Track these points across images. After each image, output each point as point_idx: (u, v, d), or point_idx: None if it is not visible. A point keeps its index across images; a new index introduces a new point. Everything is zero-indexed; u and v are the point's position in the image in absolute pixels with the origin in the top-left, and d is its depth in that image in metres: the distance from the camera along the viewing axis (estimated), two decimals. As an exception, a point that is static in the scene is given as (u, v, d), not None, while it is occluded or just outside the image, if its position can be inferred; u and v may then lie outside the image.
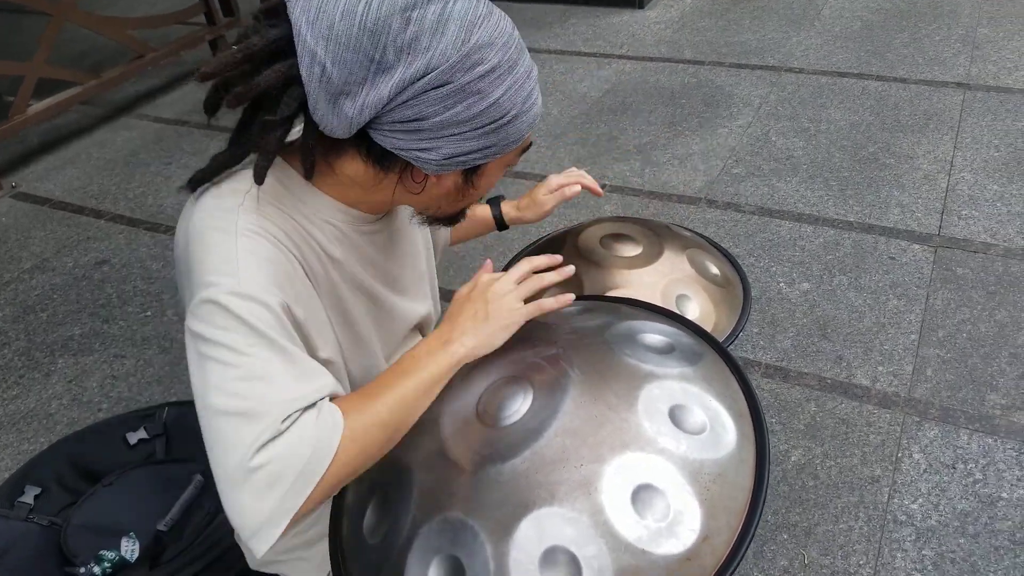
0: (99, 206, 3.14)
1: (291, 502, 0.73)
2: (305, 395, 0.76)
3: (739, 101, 3.39)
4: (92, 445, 1.47)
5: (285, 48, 0.77)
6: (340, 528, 0.96)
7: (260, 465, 0.71)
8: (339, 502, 0.99)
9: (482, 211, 1.40)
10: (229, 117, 0.85)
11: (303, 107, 0.79)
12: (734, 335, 1.33)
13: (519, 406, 0.89)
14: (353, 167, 0.86)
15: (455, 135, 0.79)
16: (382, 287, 1.02)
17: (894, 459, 1.75)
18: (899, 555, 1.56)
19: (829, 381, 1.97)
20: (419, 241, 1.11)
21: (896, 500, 1.66)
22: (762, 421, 0.91)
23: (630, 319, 1.05)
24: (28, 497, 1.37)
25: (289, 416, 0.74)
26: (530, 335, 1.02)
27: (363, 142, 0.82)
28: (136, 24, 3.84)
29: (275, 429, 0.72)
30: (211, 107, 0.81)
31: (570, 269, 1.01)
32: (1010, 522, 1.60)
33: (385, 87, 0.75)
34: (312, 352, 0.88)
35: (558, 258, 1.01)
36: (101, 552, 1.25)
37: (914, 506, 1.65)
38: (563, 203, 1.39)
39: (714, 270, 1.44)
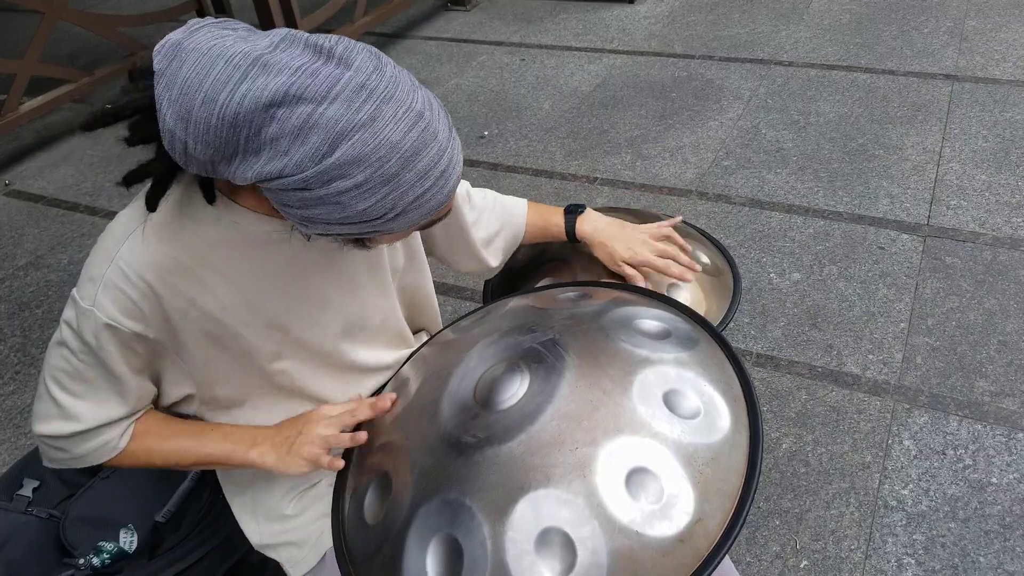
0: (93, 203, 3.13)
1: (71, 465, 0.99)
2: (104, 415, 0.94)
3: (729, 94, 3.41)
4: None
5: (151, 110, 0.76)
6: (341, 510, 0.98)
7: (45, 442, 0.96)
8: (340, 485, 1.00)
9: (556, 218, 1.29)
10: None
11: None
12: (725, 323, 1.35)
13: (516, 390, 0.91)
14: (252, 200, 0.88)
15: (324, 223, 0.77)
16: (310, 290, 0.98)
17: (884, 446, 1.77)
18: (890, 540, 1.58)
19: (819, 369, 1.99)
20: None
21: (887, 486, 1.68)
22: (756, 406, 0.92)
23: (626, 305, 1.07)
24: (27, 490, 1.37)
25: (84, 432, 0.94)
26: (527, 321, 1.03)
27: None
28: (128, 22, 3.83)
29: (70, 431, 0.93)
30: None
31: (362, 436, 0.99)
32: (999, 506, 1.62)
33: (251, 168, 0.73)
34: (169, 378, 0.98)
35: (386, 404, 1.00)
36: (100, 543, 1.26)
37: (904, 492, 1.67)
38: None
39: (704, 259, 1.45)
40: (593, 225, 1.27)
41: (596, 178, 2.91)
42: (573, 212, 1.28)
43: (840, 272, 2.32)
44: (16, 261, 2.80)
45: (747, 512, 0.82)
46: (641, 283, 1.23)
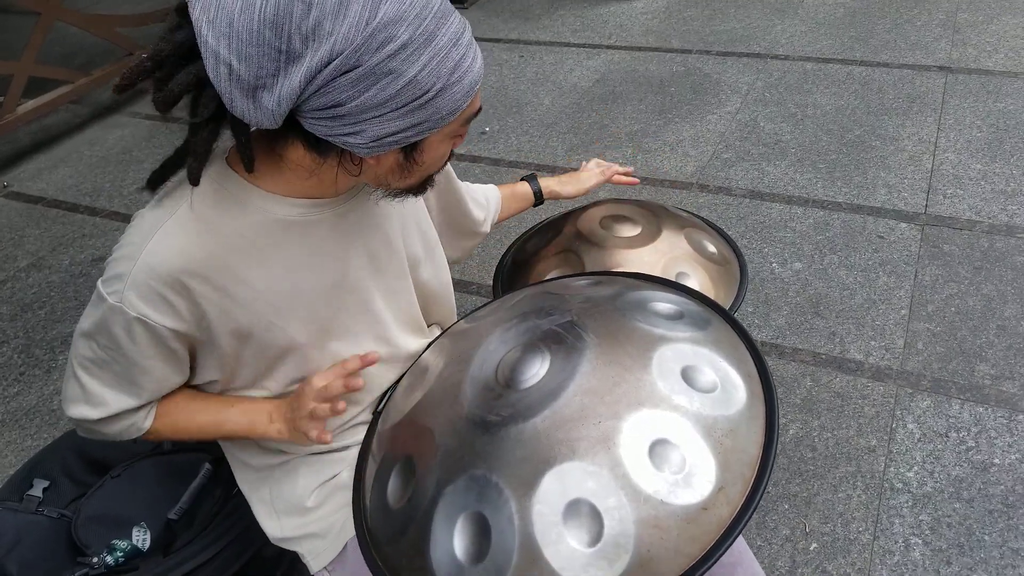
0: (94, 204, 3.13)
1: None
2: (128, 403, 0.97)
3: (727, 88, 3.44)
4: None
5: (192, 50, 0.76)
6: (362, 496, 0.99)
7: (74, 423, 1.00)
8: (361, 470, 1.02)
9: (522, 187, 1.52)
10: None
11: (222, 106, 0.78)
12: (733, 309, 1.37)
13: (537, 370, 0.93)
14: (297, 153, 0.86)
15: (376, 117, 0.77)
16: (339, 273, 0.99)
17: (889, 430, 1.80)
18: (897, 521, 1.61)
19: (823, 356, 2.02)
20: (394, 216, 1.07)
21: (892, 469, 1.71)
22: (770, 380, 0.94)
23: (639, 289, 1.09)
24: (37, 490, 1.36)
25: (110, 417, 0.97)
26: (544, 306, 1.05)
27: (298, 129, 0.81)
28: (125, 22, 3.83)
29: (96, 416, 0.97)
30: (165, 112, 0.81)
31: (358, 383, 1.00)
32: (1003, 486, 1.65)
33: (296, 77, 0.73)
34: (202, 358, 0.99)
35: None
36: (113, 542, 1.25)
37: (910, 474, 1.70)
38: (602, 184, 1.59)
39: (711, 248, 1.48)
40: (547, 183, 1.54)
41: (597, 172, 2.93)
42: (530, 179, 1.53)
43: (841, 261, 2.34)
44: (17, 263, 2.81)
45: (767, 480, 0.84)
46: (616, 169, 1.65)
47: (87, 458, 1.43)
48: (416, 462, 0.93)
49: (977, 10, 3.88)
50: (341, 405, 0.96)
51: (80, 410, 0.97)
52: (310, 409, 0.95)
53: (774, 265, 2.36)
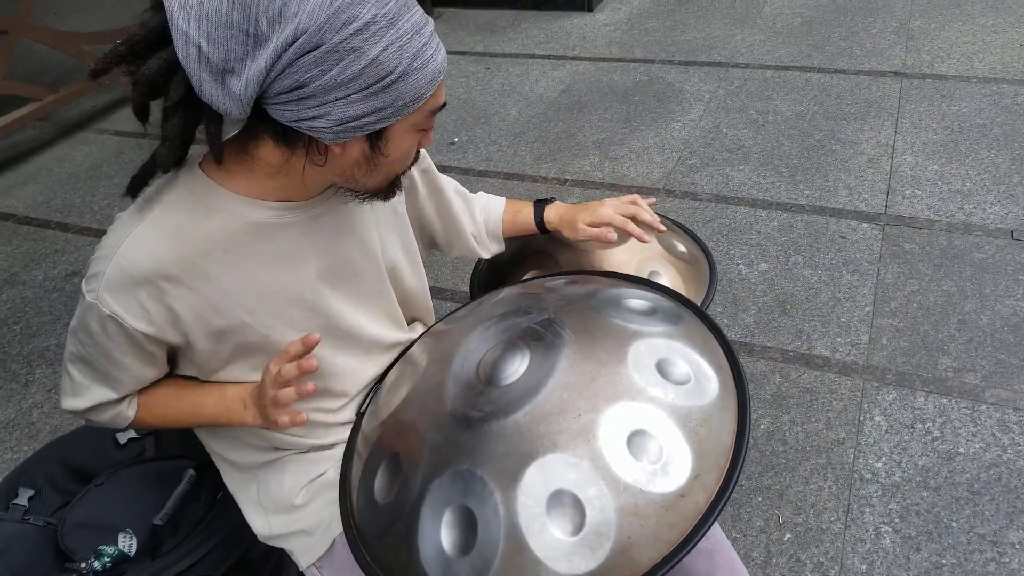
0: (65, 219, 3.11)
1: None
2: (109, 395, 1.00)
3: (690, 96, 3.52)
4: (82, 446, 1.47)
5: (163, 35, 0.78)
6: (348, 493, 1.01)
7: (69, 413, 1.04)
8: (347, 468, 1.04)
9: (527, 208, 1.37)
10: (201, 130, 0.88)
11: (191, 91, 0.79)
12: (704, 306, 1.41)
13: (517, 367, 0.95)
14: (266, 150, 0.87)
15: (340, 99, 0.78)
16: (312, 275, 1.01)
17: (857, 422, 1.85)
18: (867, 510, 1.66)
19: (791, 353, 2.07)
20: (370, 223, 1.08)
21: (861, 460, 1.76)
22: (741, 371, 0.97)
23: (613, 287, 1.12)
24: (22, 499, 1.36)
25: (95, 407, 1.01)
26: (521, 305, 1.08)
27: (266, 121, 0.82)
28: (91, 39, 3.80)
29: (83, 406, 1.01)
30: (140, 111, 0.83)
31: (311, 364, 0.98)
32: (968, 474, 1.71)
33: (262, 59, 0.74)
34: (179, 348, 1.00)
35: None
36: (100, 547, 1.25)
37: (878, 464, 1.75)
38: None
39: (681, 248, 1.52)
40: (558, 211, 1.34)
41: (567, 179, 2.98)
42: (542, 203, 1.36)
43: (805, 261, 2.41)
44: (-11, 280, 2.78)
45: (741, 467, 0.87)
46: (607, 240, 1.30)
47: (71, 467, 1.44)
48: (402, 459, 0.95)
49: (929, 17, 4.02)
50: (309, 386, 0.93)
51: (69, 401, 1.01)
52: (271, 396, 0.94)
53: (741, 266, 2.42)
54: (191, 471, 1.37)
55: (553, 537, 0.82)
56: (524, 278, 1.41)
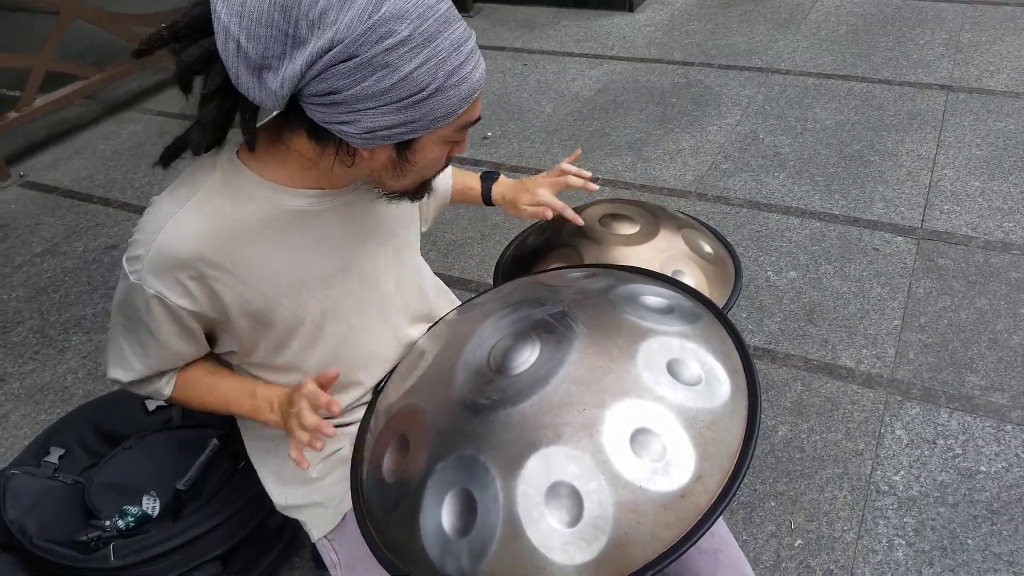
0: (107, 195, 3.20)
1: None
2: (150, 370, 1.03)
3: (728, 101, 3.48)
4: (113, 411, 1.54)
5: (205, 25, 0.80)
6: (359, 470, 1.03)
7: (114, 382, 1.06)
8: (360, 446, 1.05)
9: (475, 181, 1.43)
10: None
11: (228, 79, 0.82)
12: (727, 307, 1.40)
13: (527, 357, 0.96)
14: (300, 142, 0.90)
15: (371, 109, 0.79)
16: (346, 260, 1.04)
17: (877, 434, 1.83)
18: (881, 522, 1.63)
19: (815, 362, 2.05)
20: (393, 209, 1.10)
21: (879, 472, 1.74)
22: (755, 375, 0.97)
23: (632, 283, 1.12)
24: (53, 457, 1.43)
25: (137, 381, 1.03)
26: (537, 296, 1.09)
27: (301, 115, 0.84)
28: (140, 21, 3.89)
29: (126, 379, 1.04)
30: (183, 88, 0.87)
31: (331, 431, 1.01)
32: (987, 493, 1.68)
33: (299, 61, 0.76)
34: (218, 335, 1.05)
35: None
36: (125, 507, 1.32)
37: (896, 477, 1.72)
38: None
39: (707, 249, 1.51)
40: (500, 189, 1.41)
41: (597, 178, 2.98)
42: (488, 179, 1.42)
43: (836, 271, 2.38)
44: (33, 248, 2.88)
45: (745, 472, 0.87)
46: (543, 217, 1.37)
47: (101, 430, 1.51)
48: (410, 440, 0.97)
49: (981, 30, 3.92)
50: (329, 431, 0.93)
51: (115, 372, 1.05)
52: (297, 411, 0.95)
53: (769, 273, 2.39)
54: (215, 440, 1.43)
55: (550, 526, 0.83)
56: (546, 268, 1.42)
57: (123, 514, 1.31)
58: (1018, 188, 2.70)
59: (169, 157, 0.94)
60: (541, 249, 1.53)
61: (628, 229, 1.49)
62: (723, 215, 2.69)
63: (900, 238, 2.50)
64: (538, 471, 0.85)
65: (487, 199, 1.42)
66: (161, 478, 1.38)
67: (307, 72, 0.77)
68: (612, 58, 4.04)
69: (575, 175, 1.37)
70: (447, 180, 1.43)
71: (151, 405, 1.55)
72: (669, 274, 1.39)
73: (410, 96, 0.80)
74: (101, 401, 1.58)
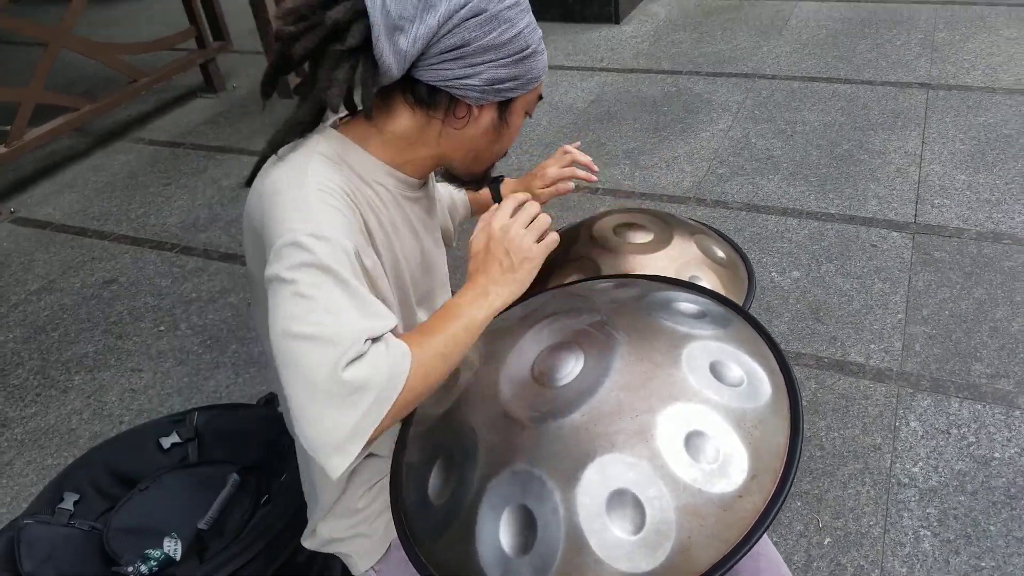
0: (102, 227, 3.17)
1: (371, 418, 0.81)
2: (375, 328, 0.83)
3: (718, 107, 3.53)
4: (126, 451, 1.49)
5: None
6: (401, 494, 1.01)
7: (350, 380, 0.78)
8: (397, 469, 1.04)
9: (484, 192, 1.45)
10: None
11: (365, 45, 0.89)
12: (744, 309, 1.42)
13: (572, 368, 0.97)
14: (401, 120, 0.97)
15: (492, 62, 0.91)
16: (421, 252, 1.12)
17: (893, 428, 1.86)
18: (906, 514, 1.66)
19: (826, 360, 2.08)
20: (437, 215, 1.21)
21: (898, 465, 1.77)
22: (792, 373, 0.98)
23: (661, 291, 1.14)
24: (68, 503, 1.38)
25: (366, 342, 0.81)
26: (572, 306, 1.10)
27: (409, 87, 0.94)
28: (129, 50, 3.88)
29: (358, 350, 0.80)
30: (271, 83, 0.96)
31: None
32: (1004, 479, 1.71)
33: (433, 19, 0.87)
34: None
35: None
36: (147, 551, 1.27)
37: (915, 469, 1.75)
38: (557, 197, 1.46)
39: (720, 253, 1.53)
40: (510, 187, 1.46)
41: (598, 188, 3.01)
42: (496, 182, 1.43)
43: (837, 269, 2.42)
44: (28, 286, 2.83)
45: (796, 468, 0.88)
46: (566, 190, 1.46)
47: (115, 472, 1.45)
48: (456, 458, 0.96)
49: (954, 30, 4.02)
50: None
51: (364, 342, 0.82)
52: (523, 223, 1.02)
53: (773, 274, 2.43)
54: (235, 475, 1.39)
55: (614, 536, 0.83)
56: (568, 281, 1.43)
57: (145, 559, 1.25)
58: (1003, 180, 2.77)
59: (279, 143, 0.96)
60: (557, 260, 1.54)
61: (642, 238, 1.51)
62: (723, 219, 2.73)
63: (896, 233, 2.55)
64: (596, 481, 0.85)
65: (498, 200, 1.45)
66: (181, 518, 1.33)
67: (442, 27, 0.88)
68: (602, 70, 4.09)
69: (579, 158, 1.45)
70: (463, 194, 1.49)
71: (165, 443, 1.50)
72: (686, 279, 1.41)
73: (521, 51, 0.93)
74: (112, 442, 1.53)
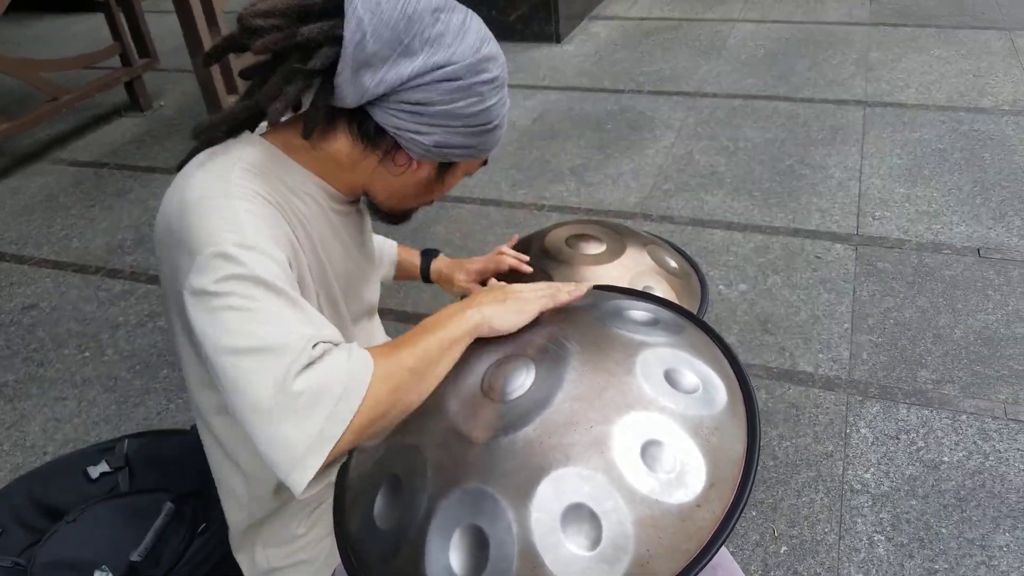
0: (20, 251, 3.02)
1: (331, 430, 0.76)
2: (323, 334, 0.79)
3: (661, 124, 3.57)
4: (51, 482, 1.40)
5: (334, 10, 0.85)
6: (345, 520, 0.96)
7: (301, 391, 0.74)
8: (340, 492, 0.98)
9: (415, 257, 1.49)
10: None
11: (329, 69, 0.85)
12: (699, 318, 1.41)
13: (523, 380, 0.93)
14: (338, 144, 0.93)
15: (449, 127, 0.89)
16: (354, 267, 1.08)
17: (843, 435, 1.87)
18: (859, 520, 1.66)
19: (775, 370, 2.08)
20: (369, 236, 1.17)
21: (850, 471, 1.77)
22: (747, 379, 0.97)
23: (613, 299, 1.11)
24: None
25: (316, 345, 0.77)
26: (523, 318, 1.06)
27: (357, 118, 0.90)
28: (50, 67, 3.73)
29: (308, 356, 0.75)
30: (216, 56, 0.92)
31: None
32: (953, 482, 1.73)
33: (406, 68, 0.84)
34: None
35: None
36: None
37: (867, 475, 1.76)
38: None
39: (673, 264, 1.52)
40: (438, 266, 1.48)
41: (543, 205, 2.99)
42: (428, 255, 1.49)
43: (783, 281, 2.44)
44: (-57, 313, 2.66)
45: (754, 475, 0.86)
46: (474, 292, 1.35)
47: (39, 503, 1.36)
48: (403, 480, 0.91)
49: (886, 50, 4.16)
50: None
51: (308, 347, 0.77)
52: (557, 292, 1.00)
53: (721, 287, 2.44)
54: (169, 504, 1.32)
55: (570, 553, 0.79)
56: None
57: None
58: (940, 192, 2.85)
59: (207, 130, 0.92)
60: (509, 276, 1.51)
61: (595, 248, 1.49)
62: (670, 233, 2.74)
63: (839, 245, 2.59)
64: (550, 496, 0.82)
65: (425, 275, 1.49)
66: (112, 551, 1.25)
67: (412, 79, 0.85)
68: (545, 88, 4.10)
69: (513, 258, 1.41)
70: (392, 252, 1.47)
71: (94, 473, 1.41)
72: (641, 288, 1.39)
73: (482, 125, 0.91)
74: (35, 472, 1.44)
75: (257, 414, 0.73)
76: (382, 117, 0.88)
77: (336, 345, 0.80)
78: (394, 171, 0.95)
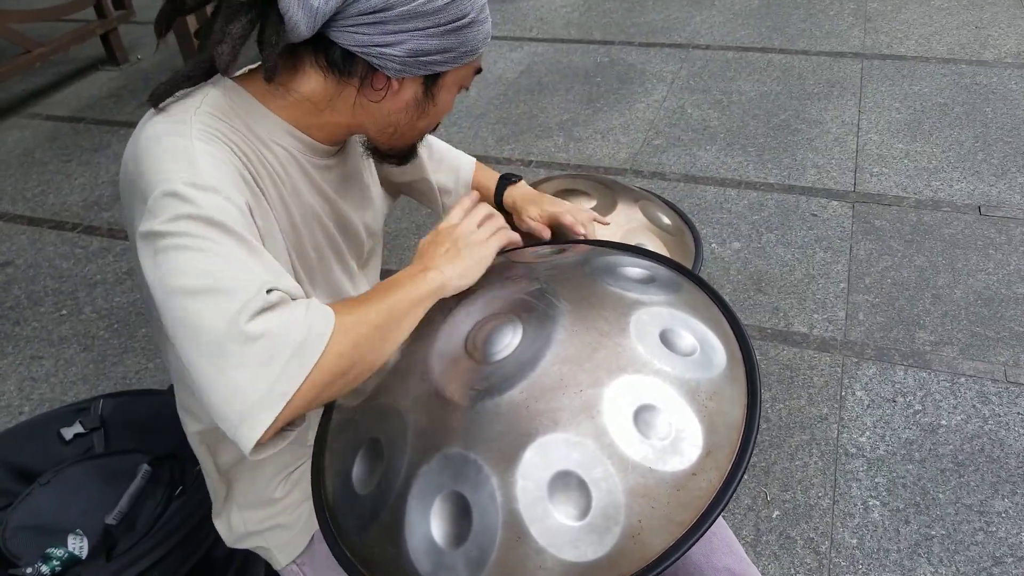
0: (-6, 207, 2.94)
1: (288, 381, 0.69)
2: (280, 283, 0.72)
3: (652, 77, 3.47)
4: (24, 443, 1.38)
5: None
6: (323, 484, 0.92)
7: (255, 335, 0.67)
8: (318, 457, 0.95)
9: (488, 179, 1.32)
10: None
11: None
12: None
13: (509, 340, 0.87)
14: (310, 84, 0.85)
15: (418, 30, 0.79)
16: (333, 223, 0.99)
17: (838, 398, 1.83)
18: (854, 484, 1.63)
19: (769, 331, 2.04)
20: (373, 191, 1.09)
21: (845, 435, 1.73)
22: (747, 340, 0.92)
23: (606, 255, 1.05)
24: None
25: (272, 291, 0.70)
26: (510, 274, 1.00)
27: (321, 48, 0.82)
28: (21, 18, 3.59)
29: (264, 300, 0.69)
30: (165, 23, 0.83)
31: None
32: (951, 446, 1.69)
33: None
34: None
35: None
36: (48, 550, 1.17)
37: (862, 439, 1.72)
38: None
39: (666, 220, 1.46)
40: (514, 195, 1.29)
41: (531, 161, 2.92)
42: (506, 180, 1.32)
43: (778, 239, 2.38)
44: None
45: (754, 442, 0.82)
46: (540, 236, 1.24)
47: (11, 466, 1.34)
48: (383, 444, 0.86)
49: (886, 0, 4.05)
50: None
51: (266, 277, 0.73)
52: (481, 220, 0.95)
53: (714, 245, 2.38)
54: (146, 466, 1.29)
55: (557, 522, 0.74)
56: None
57: (47, 558, 1.15)
58: (940, 148, 2.78)
59: (163, 95, 0.82)
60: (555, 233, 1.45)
61: (586, 204, 1.43)
62: (661, 190, 2.67)
63: (835, 202, 2.53)
64: (537, 462, 0.77)
65: (499, 202, 1.31)
66: (87, 514, 1.23)
67: None
68: (532, 40, 3.98)
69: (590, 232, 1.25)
70: (467, 175, 1.33)
71: (68, 434, 1.39)
72: (633, 243, 1.33)
73: (453, 21, 0.81)
74: (6, 434, 1.41)
75: (206, 358, 0.67)
76: (344, 38, 0.80)
77: (294, 299, 0.74)
78: (375, 97, 0.85)
